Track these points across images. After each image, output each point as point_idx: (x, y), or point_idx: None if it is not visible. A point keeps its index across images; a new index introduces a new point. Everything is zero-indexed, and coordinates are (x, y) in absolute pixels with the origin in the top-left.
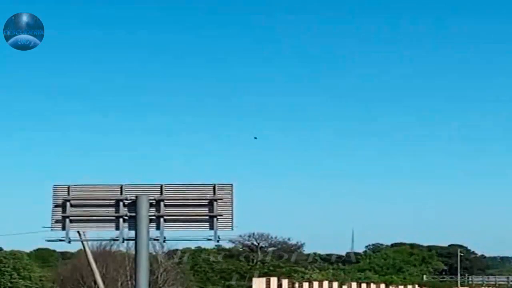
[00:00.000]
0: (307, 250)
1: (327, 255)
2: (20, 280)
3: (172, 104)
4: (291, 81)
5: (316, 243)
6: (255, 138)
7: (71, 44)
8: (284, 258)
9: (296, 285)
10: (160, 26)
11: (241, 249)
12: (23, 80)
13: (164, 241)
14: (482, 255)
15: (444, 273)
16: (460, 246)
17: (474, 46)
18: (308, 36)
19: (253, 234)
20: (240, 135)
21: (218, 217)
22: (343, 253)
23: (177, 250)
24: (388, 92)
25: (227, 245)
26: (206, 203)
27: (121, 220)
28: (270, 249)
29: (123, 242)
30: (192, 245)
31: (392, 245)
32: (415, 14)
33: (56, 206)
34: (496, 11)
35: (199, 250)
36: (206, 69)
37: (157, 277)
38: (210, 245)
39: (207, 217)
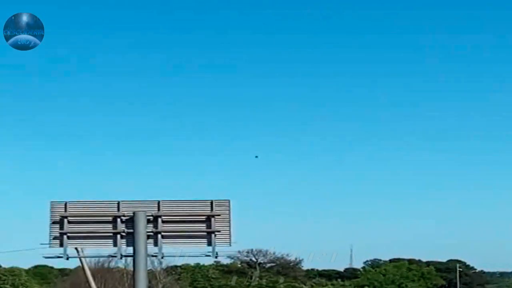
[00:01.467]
0: (305, 266)
1: (327, 270)
2: None
3: (169, 120)
4: (288, 98)
5: (315, 259)
6: (256, 157)
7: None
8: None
9: None
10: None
11: (239, 265)
12: (20, 92)
13: (162, 258)
14: (481, 270)
15: None
16: (459, 262)
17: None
18: (307, 54)
19: (252, 250)
20: (238, 151)
21: (216, 233)
22: (342, 269)
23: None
24: (383, 110)
25: (225, 261)
26: (204, 219)
27: (118, 236)
28: (268, 265)
29: (121, 258)
30: (191, 262)
31: (391, 261)
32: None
33: (54, 222)
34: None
35: (198, 266)
36: (202, 85)
37: None
38: (209, 261)
39: (205, 233)
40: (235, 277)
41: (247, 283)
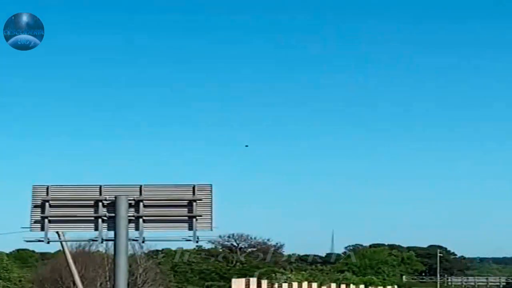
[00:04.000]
0: (286, 251)
1: (307, 255)
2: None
3: (153, 105)
4: (273, 90)
5: (296, 244)
6: (246, 146)
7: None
8: (260, 258)
9: (276, 286)
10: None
11: (220, 250)
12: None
13: (143, 242)
14: (462, 256)
15: (423, 274)
16: (440, 247)
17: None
18: (284, 40)
19: (233, 235)
20: (221, 136)
21: (198, 217)
22: (323, 254)
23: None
24: (367, 97)
25: (206, 245)
26: (186, 204)
27: (100, 220)
28: (249, 249)
29: (102, 242)
30: (173, 246)
31: (371, 246)
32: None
33: (35, 206)
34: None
35: (181, 251)
36: (189, 73)
37: (136, 278)
38: (190, 246)
39: (186, 217)
40: (235, 277)
41: (228, 267)
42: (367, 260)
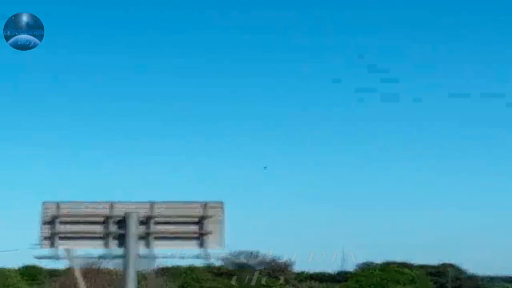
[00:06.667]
0: (297, 268)
1: (318, 273)
2: None
3: (163, 119)
4: (285, 101)
5: (307, 262)
6: (265, 168)
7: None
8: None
9: None
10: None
11: (230, 268)
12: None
13: (153, 259)
14: (474, 274)
15: None
16: (452, 265)
17: None
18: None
19: (243, 252)
20: (232, 152)
21: (209, 235)
22: (334, 272)
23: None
24: (374, 116)
25: (217, 263)
26: (197, 221)
27: (110, 237)
28: (259, 267)
29: (112, 259)
30: (183, 264)
31: (383, 264)
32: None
33: (45, 223)
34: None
35: (190, 268)
36: (197, 85)
37: None
38: (201, 263)
39: (197, 235)
40: (235, 277)
41: (239, 285)
42: (377, 278)
